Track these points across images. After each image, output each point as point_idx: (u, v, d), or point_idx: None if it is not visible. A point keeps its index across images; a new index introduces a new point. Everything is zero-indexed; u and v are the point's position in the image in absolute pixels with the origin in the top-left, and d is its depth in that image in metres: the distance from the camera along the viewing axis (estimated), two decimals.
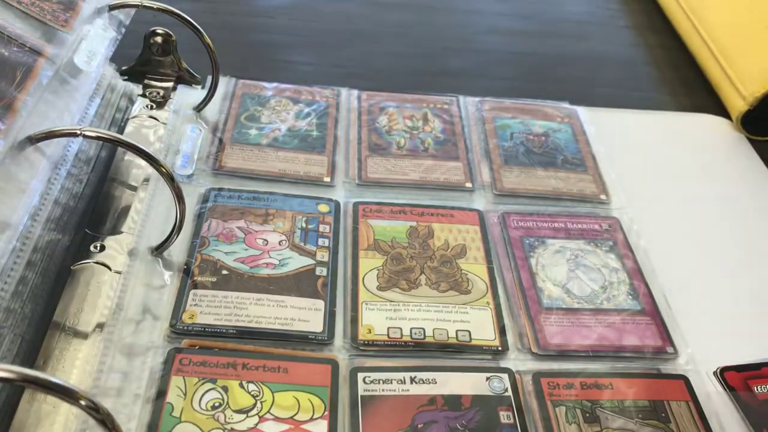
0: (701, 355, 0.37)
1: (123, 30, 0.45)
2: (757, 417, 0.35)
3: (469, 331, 0.37)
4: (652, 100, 0.59)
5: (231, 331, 0.35)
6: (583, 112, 0.53)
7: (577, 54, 0.64)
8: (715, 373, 0.37)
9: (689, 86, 0.61)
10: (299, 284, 0.38)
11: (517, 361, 0.36)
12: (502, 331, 0.37)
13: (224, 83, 0.50)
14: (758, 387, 0.36)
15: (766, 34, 0.56)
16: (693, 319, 0.39)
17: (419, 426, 0.32)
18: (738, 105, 0.55)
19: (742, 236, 0.46)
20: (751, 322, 0.40)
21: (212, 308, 0.36)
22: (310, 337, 0.35)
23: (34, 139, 0.33)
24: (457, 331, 0.37)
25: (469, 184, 0.46)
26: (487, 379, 0.35)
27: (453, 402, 0.34)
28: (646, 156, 0.51)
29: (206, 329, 0.35)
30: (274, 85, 0.51)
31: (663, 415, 0.34)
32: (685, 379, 0.36)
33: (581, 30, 0.67)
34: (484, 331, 0.37)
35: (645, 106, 0.57)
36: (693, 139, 0.54)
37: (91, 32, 0.40)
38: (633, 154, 0.51)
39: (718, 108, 0.58)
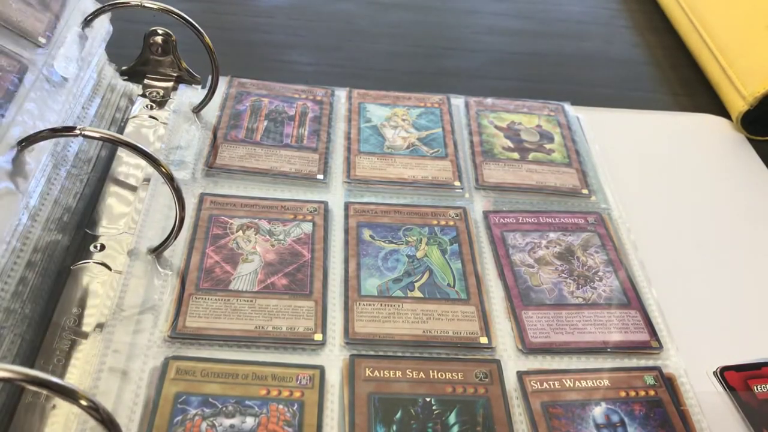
0: (699, 354, 0.37)
1: (108, 35, 0.45)
2: (757, 417, 0.35)
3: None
4: (652, 100, 0.59)
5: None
6: (582, 112, 0.53)
7: (577, 54, 0.64)
8: (715, 372, 0.37)
9: (689, 86, 0.61)
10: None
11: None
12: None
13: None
14: (758, 387, 0.36)
15: (766, 34, 0.56)
16: (691, 319, 0.39)
17: None
18: (738, 105, 0.55)
19: (741, 236, 0.46)
20: (750, 322, 0.40)
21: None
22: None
23: (32, 141, 0.33)
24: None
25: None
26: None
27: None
28: (646, 155, 0.51)
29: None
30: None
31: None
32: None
33: (581, 30, 0.67)
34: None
35: (645, 106, 0.57)
36: (693, 139, 0.54)
37: (68, 38, 0.40)
38: (633, 154, 0.51)
39: (718, 108, 0.58)
